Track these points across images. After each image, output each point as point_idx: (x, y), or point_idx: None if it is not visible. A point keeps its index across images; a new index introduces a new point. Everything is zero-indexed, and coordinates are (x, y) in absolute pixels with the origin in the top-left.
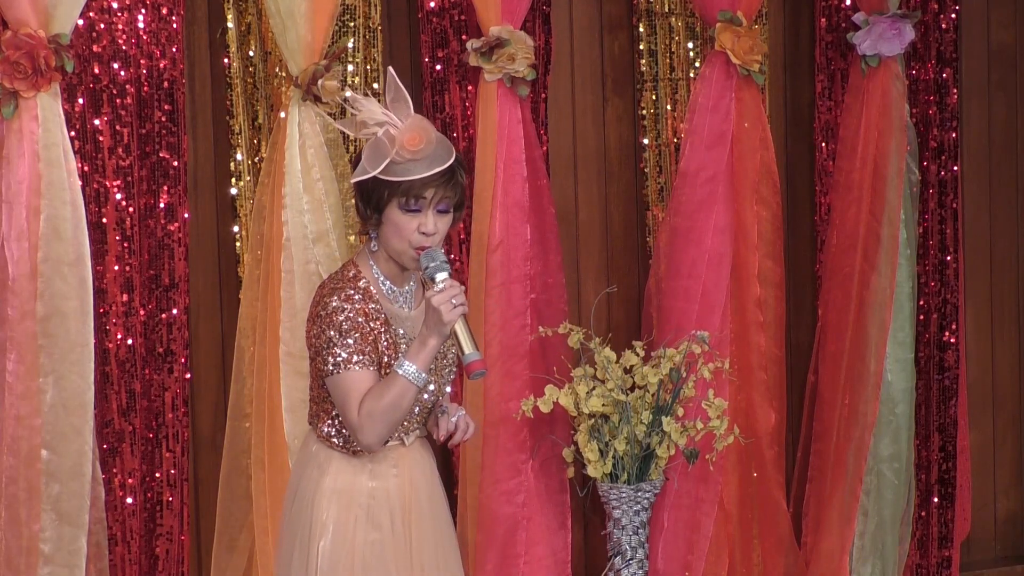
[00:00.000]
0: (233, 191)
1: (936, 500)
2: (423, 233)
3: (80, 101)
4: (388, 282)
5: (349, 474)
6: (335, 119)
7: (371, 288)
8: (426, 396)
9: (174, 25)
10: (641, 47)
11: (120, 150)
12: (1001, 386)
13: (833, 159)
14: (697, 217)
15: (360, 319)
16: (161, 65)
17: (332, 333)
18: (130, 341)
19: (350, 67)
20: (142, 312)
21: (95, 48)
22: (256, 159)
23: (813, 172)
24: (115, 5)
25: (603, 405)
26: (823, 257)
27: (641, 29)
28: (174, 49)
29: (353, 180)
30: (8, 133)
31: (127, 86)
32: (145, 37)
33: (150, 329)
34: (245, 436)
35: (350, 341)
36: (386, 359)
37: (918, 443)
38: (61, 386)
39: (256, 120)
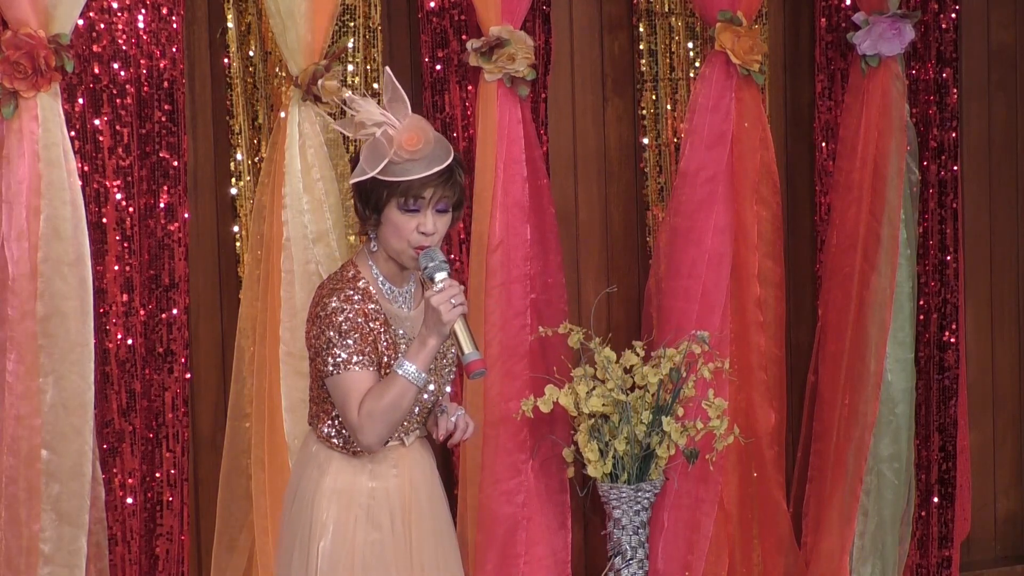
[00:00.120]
0: (233, 191)
1: (936, 500)
2: (422, 233)
3: (80, 101)
4: (387, 282)
5: (349, 474)
6: (335, 119)
7: (370, 288)
8: (426, 396)
9: (174, 25)
10: (641, 47)
11: (120, 150)
12: (1001, 386)
13: (833, 159)
14: (697, 217)
15: (360, 319)
16: (161, 65)
17: (332, 334)
18: (130, 341)
19: (350, 67)
20: (142, 312)
21: (95, 48)
22: (256, 159)
23: (813, 172)
24: (115, 5)
25: (603, 405)
26: (823, 257)
27: (641, 29)
28: (174, 49)
29: (352, 181)
30: (8, 133)
31: (127, 86)
32: (145, 37)
33: (150, 329)
34: (245, 436)
35: (350, 342)
36: (386, 359)
37: (918, 443)
38: (61, 386)
39: (256, 120)
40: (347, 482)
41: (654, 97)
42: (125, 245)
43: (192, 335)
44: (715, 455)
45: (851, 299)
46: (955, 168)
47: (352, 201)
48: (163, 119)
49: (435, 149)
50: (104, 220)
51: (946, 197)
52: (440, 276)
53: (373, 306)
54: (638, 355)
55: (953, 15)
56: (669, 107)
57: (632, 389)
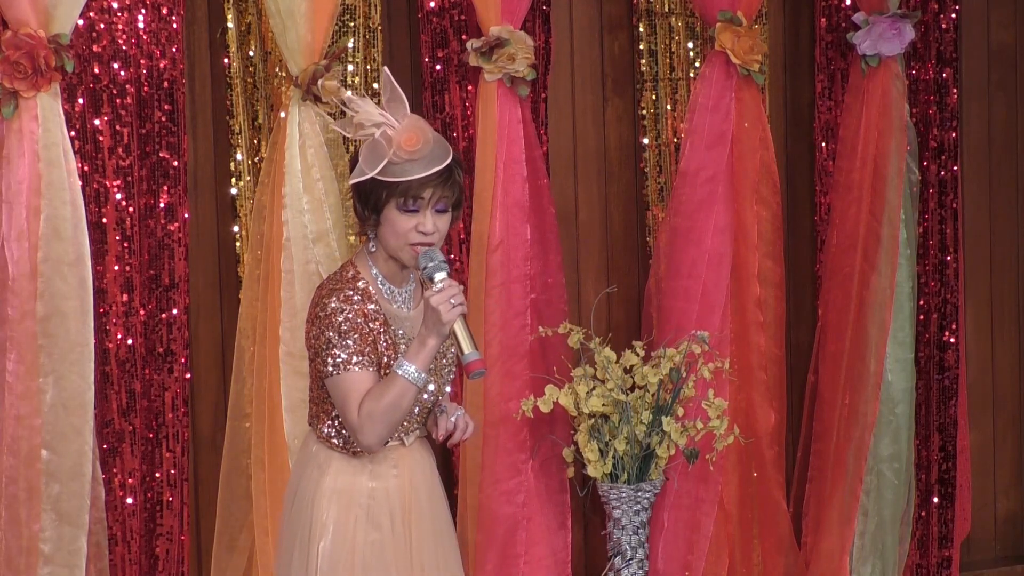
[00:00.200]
0: (233, 191)
1: (936, 500)
2: (421, 232)
3: (80, 101)
4: (387, 282)
5: (349, 474)
6: (335, 119)
7: (370, 288)
8: (426, 396)
9: (174, 25)
10: (641, 47)
11: (120, 150)
12: (1001, 386)
13: (833, 159)
14: (697, 217)
15: (359, 320)
16: (161, 65)
17: (331, 334)
18: (130, 341)
19: (350, 67)
20: (142, 312)
21: (95, 48)
22: (256, 159)
23: (813, 172)
24: (115, 5)
25: (603, 405)
26: (823, 257)
27: (641, 29)
28: (174, 49)
29: (351, 182)
30: (8, 133)
31: (127, 86)
32: (145, 37)
33: (150, 329)
34: (245, 436)
35: (349, 342)
36: (386, 359)
37: (918, 443)
38: (61, 386)
39: (256, 120)
40: (347, 482)
41: (654, 97)
42: (125, 245)
43: (192, 335)
44: (715, 455)
45: (851, 299)
46: (955, 168)
47: (352, 201)
48: (163, 119)
49: (434, 149)
50: (104, 220)
51: (946, 197)
52: (439, 276)
53: (372, 306)
54: (638, 355)
55: (953, 15)
56: (669, 107)
57: (632, 389)
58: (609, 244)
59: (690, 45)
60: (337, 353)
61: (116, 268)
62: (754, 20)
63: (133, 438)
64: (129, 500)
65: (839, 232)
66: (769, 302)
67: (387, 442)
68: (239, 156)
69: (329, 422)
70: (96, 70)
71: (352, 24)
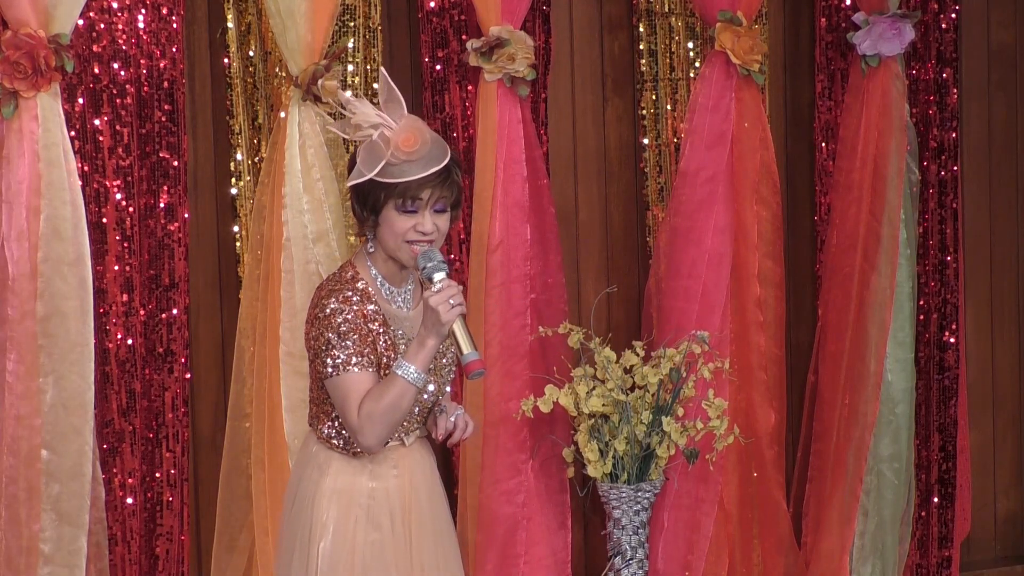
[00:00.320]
0: (233, 191)
1: (936, 500)
2: (420, 233)
3: (80, 101)
4: (386, 283)
5: (349, 475)
6: (335, 119)
7: (369, 289)
8: (426, 396)
9: (174, 25)
10: (641, 47)
11: (120, 150)
12: (1001, 386)
13: (833, 159)
14: (697, 217)
15: (358, 321)
16: (161, 65)
17: (330, 335)
18: (130, 341)
19: (350, 67)
20: (142, 312)
21: (95, 48)
22: (256, 159)
23: (813, 172)
24: (115, 5)
25: (603, 405)
26: (823, 257)
27: (641, 29)
28: (174, 49)
29: (349, 183)
30: (8, 133)
31: (127, 86)
32: (145, 37)
33: (150, 329)
34: (245, 436)
35: (348, 343)
36: (385, 360)
37: (918, 443)
38: (61, 386)
39: (256, 120)
40: (347, 483)
41: (654, 97)
42: (125, 245)
43: (192, 335)
44: (715, 455)
45: (851, 299)
46: (955, 168)
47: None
48: (163, 119)
49: (432, 149)
50: (104, 220)
51: (946, 197)
52: (438, 276)
53: (372, 307)
54: (638, 355)
55: (953, 15)
56: (669, 107)
57: (632, 389)
58: (609, 244)
59: (690, 45)
60: (336, 354)
61: (116, 268)
62: (754, 20)
63: (133, 438)
64: (129, 500)
65: (839, 232)
66: (769, 302)
67: (387, 442)
68: (239, 156)
69: (329, 423)
70: (96, 70)
71: (352, 24)
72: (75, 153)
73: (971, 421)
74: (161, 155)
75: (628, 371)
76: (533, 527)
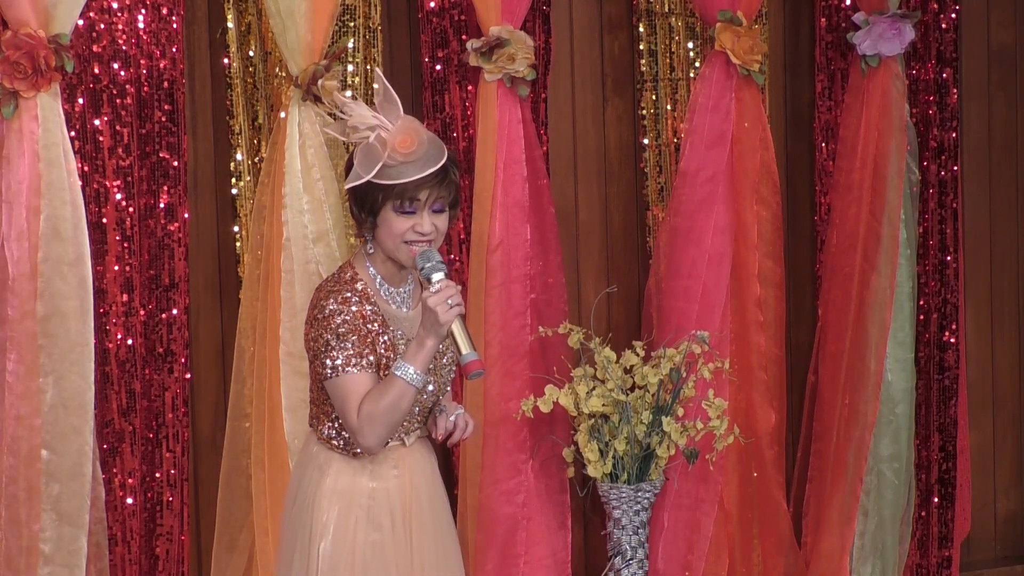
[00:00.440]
0: (233, 191)
1: (936, 500)
2: (419, 233)
3: (80, 101)
4: (385, 283)
5: (349, 475)
6: (335, 119)
7: (368, 290)
8: (426, 396)
9: (174, 25)
10: (641, 47)
11: (120, 150)
12: (1001, 386)
13: (833, 159)
14: (697, 217)
15: (357, 322)
16: (161, 65)
17: (329, 336)
18: (130, 341)
19: (350, 67)
20: (142, 312)
21: (95, 48)
22: (256, 159)
23: (813, 172)
24: (115, 5)
25: (603, 405)
26: (823, 257)
27: (641, 29)
28: (174, 49)
29: (347, 186)
30: (8, 133)
31: (127, 86)
32: (145, 37)
33: (150, 329)
34: (245, 436)
35: (347, 344)
36: (385, 360)
37: (918, 443)
38: (61, 386)
39: (256, 120)
40: (347, 483)
41: (654, 97)
42: (125, 245)
43: (192, 335)
44: (715, 455)
45: (851, 299)
46: (955, 168)
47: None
48: (163, 119)
49: (429, 150)
50: (104, 220)
51: (946, 197)
52: (437, 277)
53: (371, 307)
54: (638, 355)
55: (953, 15)
56: (669, 107)
57: (632, 389)
58: (609, 244)
59: (690, 45)
60: (335, 355)
61: (116, 268)
62: (754, 20)
63: (133, 438)
64: (129, 500)
65: (839, 232)
66: (769, 302)
67: (388, 443)
68: (239, 156)
69: (329, 423)
70: (96, 70)
71: (352, 24)
72: (75, 153)
73: (971, 421)
74: (161, 155)
75: (628, 371)
76: (533, 527)
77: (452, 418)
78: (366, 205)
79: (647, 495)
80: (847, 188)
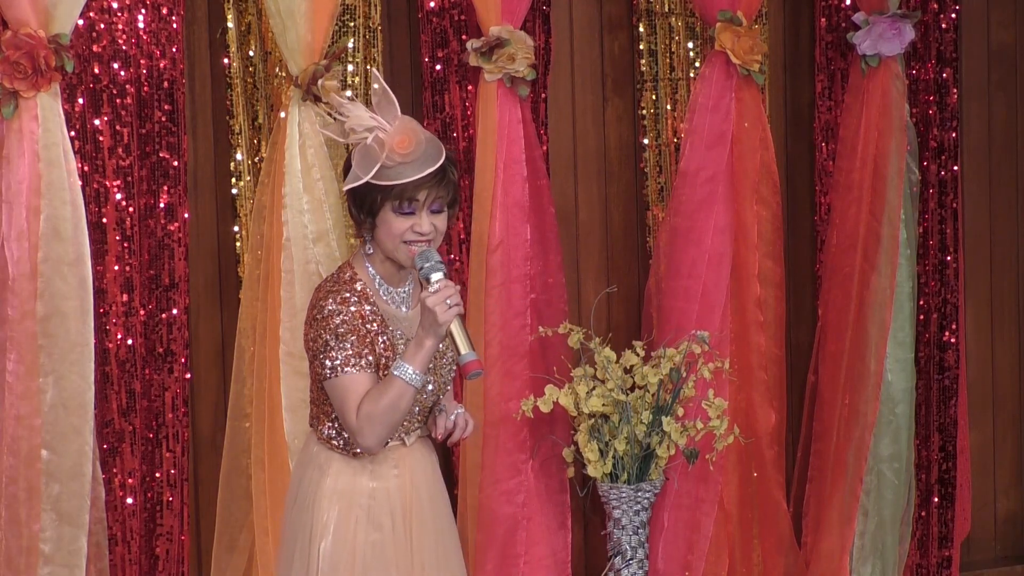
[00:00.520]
0: (233, 191)
1: (936, 500)
2: (418, 233)
3: (80, 101)
4: (385, 283)
5: (349, 475)
6: (335, 120)
7: (367, 290)
8: (426, 396)
9: (174, 25)
10: (641, 47)
11: (120, 150)
12: (1001, 386)
13: (833, 159)
14: (697, 217)
15: (356, 322)
16: (161, 65)
17: (328, 336)
18: (130, 341)
19: (350, 67)
20: (142, 312)
21: (95, 48)
22: (256, 159)
23: (813, 172)
24: (115, 5)
25: (603, 405)
26: (823, 257)
27: (641, 29)
28: (174, 49)
29: (345, 187)
30: (8, 133)
31: (127, 86)
32: (145, 37)
33: (150, 329)
34: (245, 436)
35: (346, 344)
36: (384, 361)
37: (918, 443)
38: (61, 386)
39: (256, 120)
40: (347, 483)
41: (654, 97)
42: (125, 245)
43: (192, 335)
44: (715, 455)
45: (851, 299)
46: (955, 168)
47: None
48: (163, 119)
49: (427, 150)
50: (104, 220)
51: (946, 197)
52: (436, 277)
53: (370, 307)
54: (638, 355)
55: (953, 15)
56: (669, 107)
57: (632, 389)
58: (609, 244)
59: (690, 45)
60: (334, 355)
61: (116, 268)
62: (754, 20)
63: (133, 438)
64: (129, 500)
65: (839, 232)
66: (769, 302)
67: (387, 443)
68: (239, 156)
69: (329, 423)
70: (96, 70)
71: (352, 24)
72: (75, 153)
73: (971, 421)
74: (161, 155)
75: (628, 371)
76: (533, 527)
77: (452, 417)
78: (365, 206)
79: (647, 495)
80: (847, 188)
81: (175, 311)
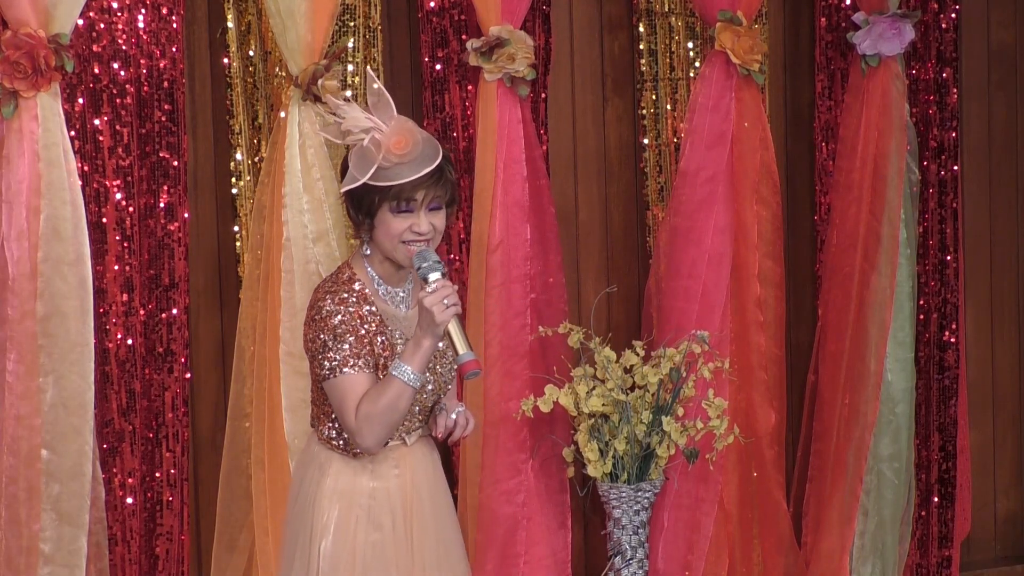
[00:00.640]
0: (233, 191)
1: (936, 500)
2: (416, 233)
3: (80, 101)
4: (384, 283)
5: (350, 475)
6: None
7: (365, 290)
8: (426, 396)
9: (174, 25)
10: (641, 47)
11: (120, 150)
12: (1001, 386)
13: (833, 159)
14: (697, 217)
15: (355, 322)
16: (161, 65)
17: (326, 337)
18: (130, 341)
19: (350, 67)
20: (142, 312)
21: (95, 48)
22: (256, 159)
23: (813, 172)
24: (115, 5)
25: (603, 405)
26: (823, 257)
27: (641, 29)
28: (174, 49)
29: (343, 189)
30: (8, 133)
31: (127, 86)
32: (145, 37)
33: (150, 329)
34: (245, 436)
35: (344, 345)
36: (383, 361)
37: (918, 443)
38: (61, 386)
39: (256, 120)
40: (348, 483)
41: (654, 97)
42: (125, 245)
43: (192, 335)
44: (715, 455)
45: (851, 299)
46: (955, 168)
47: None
48: (163, 119)
49: (424, 150)
50: (104, 220)
51: (946, 197)
52: (434, 276)
53: (368, 307)
54: (638, 355)
55: (953, 15)
56: (669, 107)
57: (632, 389)
58: (609, 244)
59: (690, 45)
60: (332, 356)
61: (116, 268)
62: (754, 20)
63: (133, 438)
64: (129, 500)
65: (839, 232)
66: (769, 302)
67: (387, 443)
68: (239, 156)
69: (330, 424)
70: (96, 70)
71: (352, 24)
72: (75, 153)
73: (971, 421)
74: (161, 155)
75: (628, 371)
76: (533, 527)
77: (453, 416)
78: (363, 207)
79: (647, 495)
80: (847, 188)
81: (175, 311)
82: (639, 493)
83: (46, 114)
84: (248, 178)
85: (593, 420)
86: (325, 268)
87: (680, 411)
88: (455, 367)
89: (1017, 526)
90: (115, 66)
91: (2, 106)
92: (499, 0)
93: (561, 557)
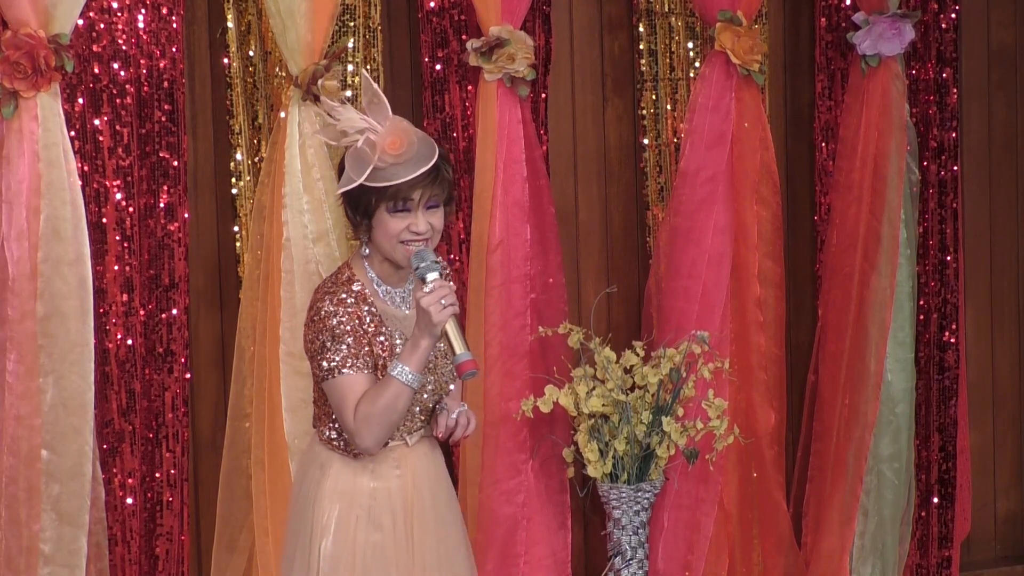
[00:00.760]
0: (233, 191)
1: (936, 500)
2: (414, 232)
3: (80, 101)
4: (383, 283)
5: (350, 475)
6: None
7: (365, 291)
8: (426, 396)
9: (174, 25)
10: (641, 47)
11: (120, 150)
12: (1001, 386)
13: (833, 159)
14: (697, 217)
15: (353, 322)
16: (161, 65)
17: (325, 338)
18: (130, 341)
19: (350, 67)
20: (142, 312)
21: (95, 48)
22: (256, 159)
23: (813, 172)
24: (115, 5)
25: (603, 405)
26: (823, 257)
27: (641, 29)
28: (174, 49)
29: (339, 190)
30: (8, 133)
31: (127, 86)
32: (145, 37)
33: (150, 329)
34: (245, 436)
35: (343, 345)
36: (383, 361)
37: (918, 443)
38: (61, 386)
39: (256, 120)
40: (348, 483)
41: (654, 97)
42: (125, 245)
43: (192, 335)
44: (715, 455)
45: (851, 299)
46: (955, 168)
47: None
48: (163, 119)
49: (419, 149)
50: (104, 220)
51: (946, 197)
52: (431, 276)
53: (367, 308)
54: (638, 355)
55: (953, 15)
56: (669, 107)
57: (632, 389)
58: (609, 244)
59: (690, 45)
60: (331, 356)
61: (116, 268)
62: (754, 20)
63: (133, 438)
64: (129, 500)
65: (839, 232)
66: (769, 302)
67: (387, 443)
68: (239, 156)
69: (330, 424)
70: (96, 70)
71: (352, 24)
72: (75, 153)
73: (971, 421)
74: (161, 155)
75: (628, 371)
76: (533, 527)
77: (454, 415)
78: (360, 208)
79: (647, 495)
80: (847, 188)
81: (175, 311)
82: (639, 493)
83: (46, 114)
84: (248, 178)
85: (593, 420)
86: (325, 268)
87: (680, 411)
88: (454, 367)
89: (1017, 526)
90: (115, 66)
91: (2, 106)
92: (499, 0)
93: (561, 557)
